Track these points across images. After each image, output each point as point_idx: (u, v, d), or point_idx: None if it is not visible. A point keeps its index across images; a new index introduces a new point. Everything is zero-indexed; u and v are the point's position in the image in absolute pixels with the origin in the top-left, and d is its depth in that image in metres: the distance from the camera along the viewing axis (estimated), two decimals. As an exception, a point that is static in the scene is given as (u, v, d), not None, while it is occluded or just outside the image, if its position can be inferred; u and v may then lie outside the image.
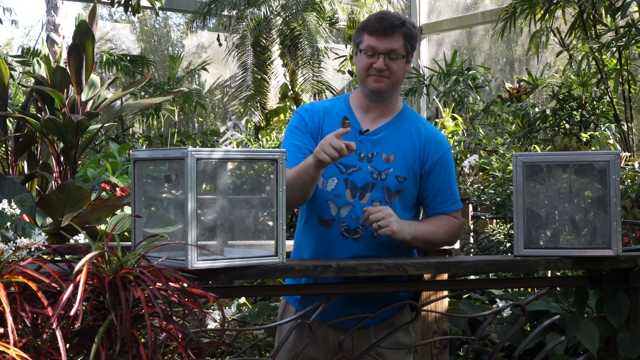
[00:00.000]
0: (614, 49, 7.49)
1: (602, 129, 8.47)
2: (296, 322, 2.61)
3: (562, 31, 8.26)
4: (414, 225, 2.75)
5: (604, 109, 8.52)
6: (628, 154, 7.14)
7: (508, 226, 5.25)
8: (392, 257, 2.76)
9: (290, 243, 3.13)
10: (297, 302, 2.86)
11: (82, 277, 1.85)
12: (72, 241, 3.34)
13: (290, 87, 11.81)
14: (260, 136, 10.74)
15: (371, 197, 2.76)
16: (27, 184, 4.88)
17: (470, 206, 6.91)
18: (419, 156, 2.81)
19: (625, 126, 7.81)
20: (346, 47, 12.29)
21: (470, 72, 10.62)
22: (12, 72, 7.26)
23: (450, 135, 9.78)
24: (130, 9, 7.57)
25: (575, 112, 8.57)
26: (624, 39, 7.23)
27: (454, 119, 10.21)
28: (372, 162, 2.78)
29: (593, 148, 7.97)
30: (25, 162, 5.24)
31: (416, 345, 3.16)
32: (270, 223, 2.42)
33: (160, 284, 1.95)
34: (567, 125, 8.58)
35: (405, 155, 2.80)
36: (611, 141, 8.17)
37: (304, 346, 2.61)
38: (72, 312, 1.83)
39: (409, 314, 2.86)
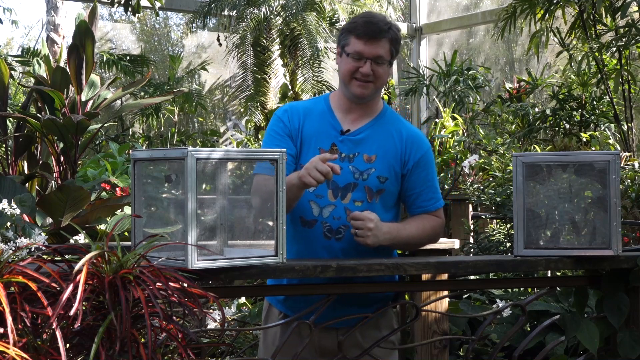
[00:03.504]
0: (614, 49, 7.49)
1: (602, 129, 8.47)
2: (295, 322, 2.61)
3: (562, 31, 8.26)
4: (395, 232, 2.75)
5: (604, 109, 8.52)
6: (628, 154, 7.14)
7: (508, 226, 5.25)
8: (392, 257, 2.77)
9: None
10: (280, 304, 2.88)
11: (82, 277, 1.85)
12: (72, 241, 3.34)
13: (290, 87, 11.82)
14: (260, 136, 10.74)
15: (353, 197, 2.77)
16: (27, 184, 4.88)
17: (470, 206, 6.92)
18: (400, 156, 2.82)
19: (625, 126, 7.80)
20: (346, 47, 12.25)
21: (470, 72, 10.63)
22: (12, 72, 7.25)
23: (450, 135, 9.79)
24: (130, 9, 7.56)
25: (575, 112, 8.57)
26: (624, 39, 7.23)
27: (454, 119, 10.21)
28: (354, 162, 2.79)
29: (593, 148, 7.97)
30: (25, 162, 5.24)
31: (416, 345, 3.17)
32: (270, 223, 2.42)
33: (160, 284, 1.95)
34: (567, 125, 8.58)
35: (386, 155, 2.81)
36: (611, 141, 8.18)
37: (303, 347, 2.60)
38: (72, 312, 1.83)
39: (392, 312, 2.92)
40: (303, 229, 2.78)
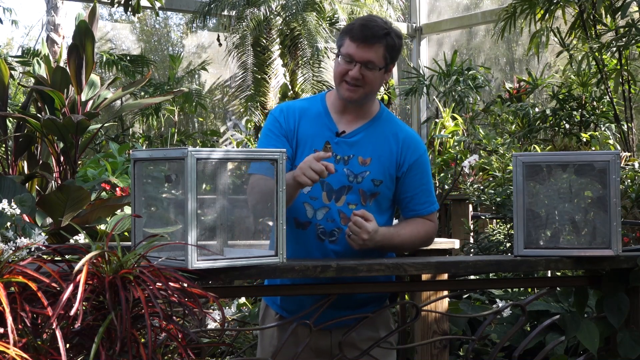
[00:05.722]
0: (614, 49, 7.49)
1: (602, 129, 8.47)
2: (294, 324, 2.61)
3: (562, 31, 8.26)
4: (386, 240, 2.72)
5: (604, 109, 8.52)
6: (628, 154, 7.15)
7: (508, 226, 5.25)
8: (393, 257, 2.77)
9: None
10: (275, 305, 2.88)
11: (82, 277, 1.85)
12: (72, 241, 3.34)
13: (290, 87, 11.81)
14: (260, 136, 10.72)
15: (347, 200, 2.75)
16: (27, 184, 4.88)
17: (470, 206, 6.92)
18: (395, 159, 2.80)
19: (625, 126, 7.81)
20: (346, 47, 12.25)
21: (470, 72, 10.62)
22: (12, 72, 7.25)
23: (450, 135, 9.80)
24: (130, 9, 7.56)
25: (575, 112, 8.58)
26: (624, 39, 7.23)
27: (454, 119, 10.21)
28: (349, 164, 2.77)
29: (593, 148, 7.97)
30: (25, 162, 5.24)
31: (416, 345, 3.17)
32: (270, 223, 2.41)
33: (160, 284, 1.95)
34: (567, 125, 8.58)
35: (381, 158, 2.79)
36: (611, 141, 8.18)
37: (304, 345, 2.60)
38: (72, 312, 1.83)
39: (389, 311, 2.91)
40: (297, 230, 2.76)
